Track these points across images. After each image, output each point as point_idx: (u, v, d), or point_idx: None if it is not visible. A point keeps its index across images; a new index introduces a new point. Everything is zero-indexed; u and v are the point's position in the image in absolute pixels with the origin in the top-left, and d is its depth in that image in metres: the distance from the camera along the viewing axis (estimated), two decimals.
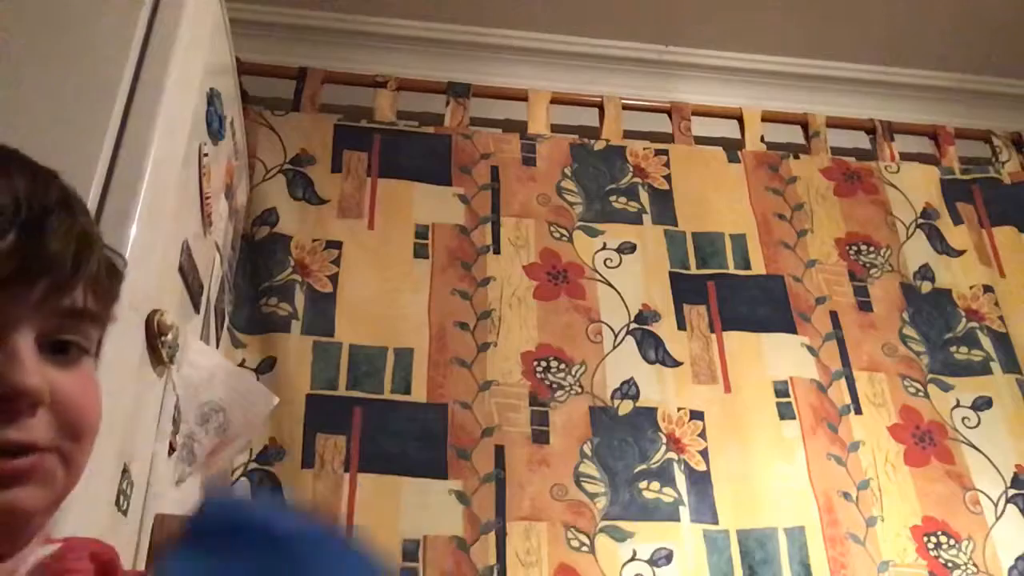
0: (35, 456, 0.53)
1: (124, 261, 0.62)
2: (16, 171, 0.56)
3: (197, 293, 1.33)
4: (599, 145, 2.10)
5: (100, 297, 0.59)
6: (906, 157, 2.23)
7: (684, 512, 1.67)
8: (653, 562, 1.62)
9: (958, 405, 1.87)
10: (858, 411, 1.83)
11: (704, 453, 1.75)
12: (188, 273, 1.25)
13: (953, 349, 1.94)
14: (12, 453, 0.52)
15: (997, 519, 1.74)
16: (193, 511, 0.54)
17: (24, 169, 0.57)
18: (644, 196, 2.04)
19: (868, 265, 2.03)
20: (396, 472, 1.64)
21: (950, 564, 1.68)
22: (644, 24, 2.27)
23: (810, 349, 1.89)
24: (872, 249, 2.05)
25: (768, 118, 2.23)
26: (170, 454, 1.21)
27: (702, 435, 1.76)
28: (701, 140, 2.18)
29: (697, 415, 1.78)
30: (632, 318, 1.88)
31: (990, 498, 1.76)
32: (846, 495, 1.73)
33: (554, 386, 1.78)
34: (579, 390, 1.78)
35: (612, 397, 1.78)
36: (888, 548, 1.68)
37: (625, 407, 1.77)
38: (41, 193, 0.56)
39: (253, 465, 1.62)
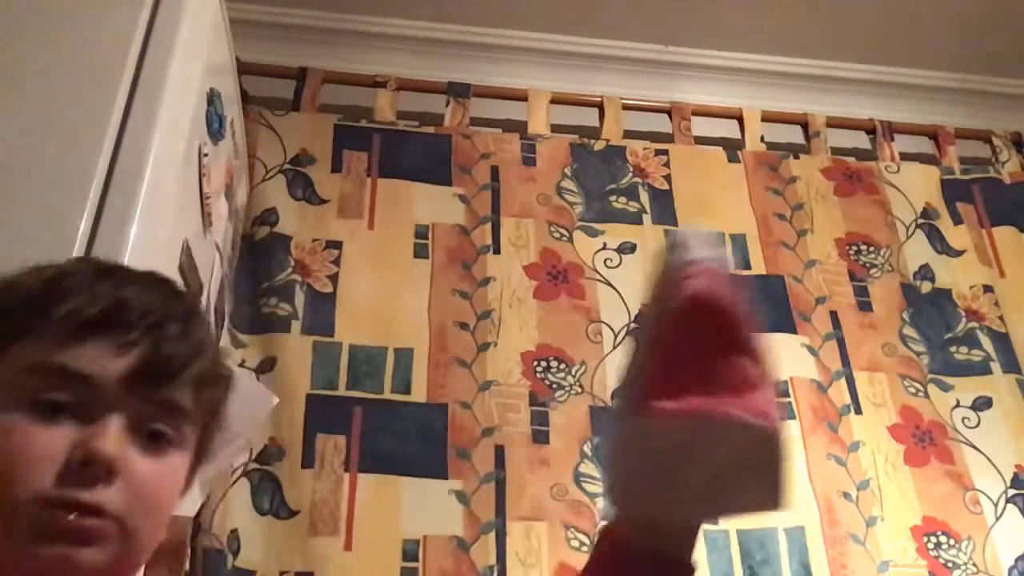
0: (100, 520, 0.60)
1: (233, 375, 0.75)
2: (152, 286, 0.69)
3: (197, 293, 1.33)
4: (599, 145, 2.10)
5: (200, 399, 0.67)
6: (906, 157, 2.23)
7: None
8: None
9: (958, 405, 1.87)
10: (858, 411, 1.83)
11: None
12: (188, 273, 1.24)
13: (953, 349, 1.94)
14: (85, 512, 0.59)
15: (997, 519, 1.74)
16: None
17: (158, 285, 0.70)
18: (644, 196, 2.04)
19: (868, 265, 2.03)
20: (396, 472, 1.64)
21: (950, 564, 1.68)
22: (644, 24, 2.27)
23: (810, 349, 1.88)
24: (872, 249, 2.05)
25: (768, 118, 2.23)
26: None
27: None
28: (701, 140, 2.18)
29: None
30: (632, 318, 1.88)
31: (990, 498, 1.76)
32: (846, 495, 1.73)
33: (554, 386, 1.78)
34: (579, 390, 1.78)
35: (612, 397, 1.77)
36: (888, 548, 1.68)
37: None
38: (168, 305, 0.67)
39: (253, 465, 1.62)
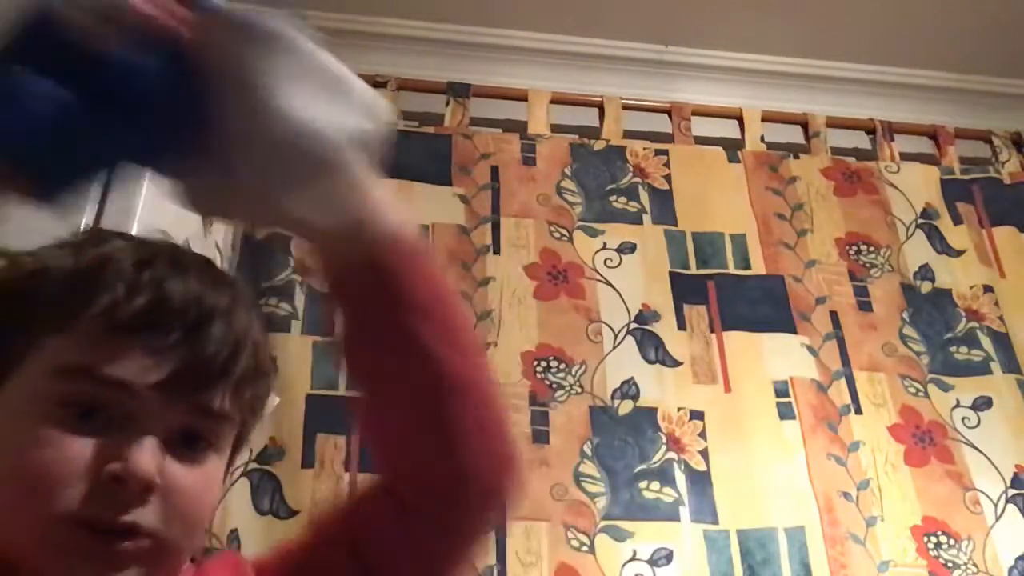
0: (134, 542, 0.57)
1: (274, 367, 0.71)
2: (194, 273, 0.64)
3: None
4: (599, 145, 2.10)
5: (238, 400, 0.63)
6: (906, 157, 2.23)
7: (684, 512, 1.67)
8: (653, 562, 1.62)
9: (958, 405, 1.87)
10: (858, 411, 1.83)
11: (704, 453, 1.75)
12: None
13: (953, 349, 1.94)
14: (119, 534, 0.57)
15: (997, 519, 1.74)
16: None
17: (202, 273, 0.65)
18: (644, 196, 2.04)
19: (868, 265, 2.02)
20: None
21: (950, 564, 1.68)
22: (644, 24, 2.27)
23: (810, 349, 1.88)
24: (872, 249, 2.05)
25: (768, 118, 2.23)
26: None
27: (702, 435, 1.76)
28: (701, 140, 2.18)
29: (697, 415, 1.78)
30: (632, 318, 1.88)
31: (990, 498, 1.76)
32: (846, 495, 1.72)
33: (554, 386, 1.78)
34: (579, 390, 1.78)
35: (612, 397, 1.77)
36: (888, 548, 1.68)
37: (625, 407, 1.77)
38: (211, 298, 0.62)
39: (253, 465, 1.62)
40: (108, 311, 0.59)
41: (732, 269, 1.97)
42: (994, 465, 1.80)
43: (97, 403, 0.57)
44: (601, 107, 2.17)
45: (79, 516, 0.55)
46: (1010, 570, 1.68)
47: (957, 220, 2.11)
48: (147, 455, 0.57)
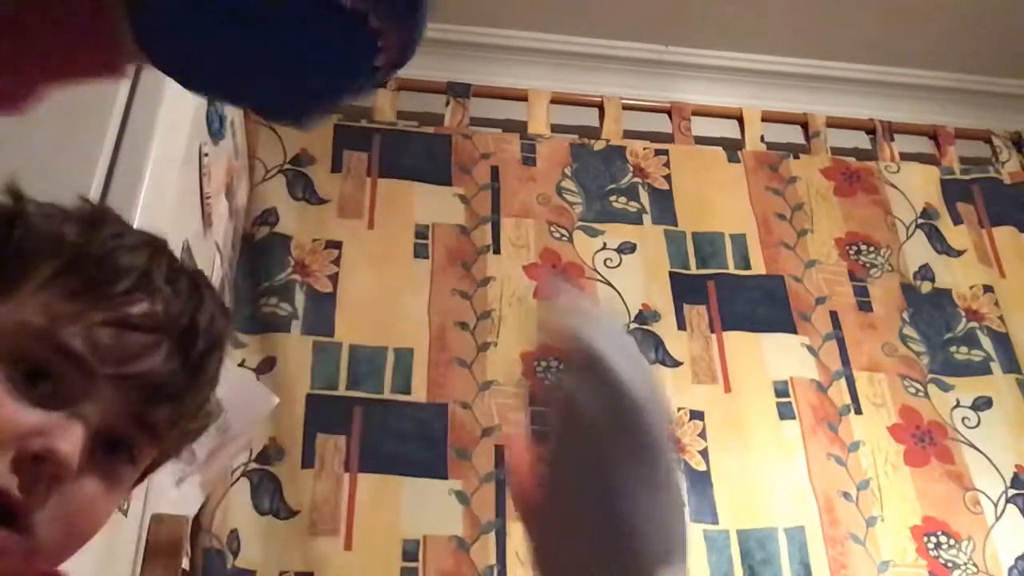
0: (8, 532, 0.51)
1: (217, 414, 0.66)
2: (208, 296, 0.61)
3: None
4: (599, 145, 2.10)
5: (180, 430, 0.60)
6: (906, 157, 2.23)
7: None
8: None
9: (958, 405, 1.87)
10: (858, 411, 1.83)
11: (704, 453, 1.75)
12: None
13: (953, 349, 1.94)
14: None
15: (997, 519, 1.74)
16: None
17: (216, 297, 0.62)
18: (644, 196, 2.04)
19: (868, 265, 2.02)
20: (396, 472, 1.64)
21: (950, 564, 1.68)
22: (644, 24, 2.27)
23: (810, 349, 1.88)
24: (872, 249, 2.05)
25: (768, 118, 2.23)
26: None
27: (702, 435, 1.76)
28: (701, 140, 2.18)
29: (697, 415, 1.78)
30: (632, 318, 1.88)
31: (990, 498, 1.76)
32: (846, 495, 1.72)
33: None
34: None
35: None
36: (888, 548, 1.68)
37: None
38: (219, 325, 0.60)
39: (253, 465, 1.62)
40: (119, 299, 0.55)
41: (732, 269, 1.97)
42: (994, 465, 1.80)
43: (45, 369, 0.53)
44: (601, 107, 2.17)
45: None
46: (1010, 570, 1.68)
47: (957, 220, 2.11)
48: (75, 442, 0.52)
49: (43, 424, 0.52)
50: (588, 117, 2.19)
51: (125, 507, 1.05)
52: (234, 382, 1.34)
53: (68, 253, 0.56)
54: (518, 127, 2.12)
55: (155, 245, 0.61)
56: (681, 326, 1.88)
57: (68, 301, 0.54)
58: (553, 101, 2.16)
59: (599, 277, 1.92)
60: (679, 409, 1.78)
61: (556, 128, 2.13)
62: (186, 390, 0.58)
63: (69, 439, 0.52)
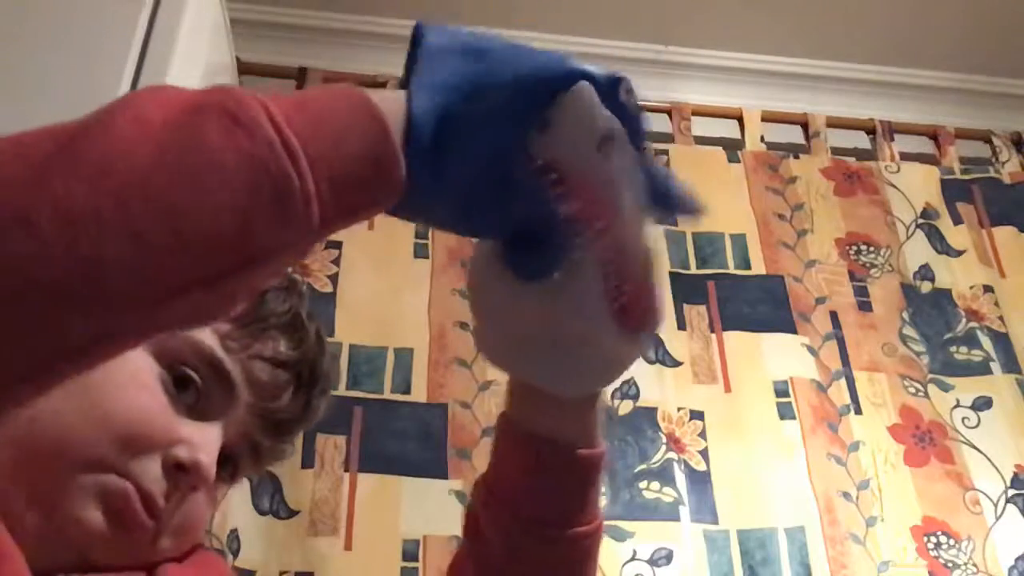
0: (153, 523, 0.56)
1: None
2: (325, 341, 0.68)
3: None
4: None
5: (270, 454, 0.66)
6: (906, 157, 2.23)
7: (684, 512, 1.67)
8: (653, 562, 1.62)
9: (958, 405, 1.87)
10: (858, 411, 1.83)
11: (704, 453, 1.75)
12: None
13: (953, 349, 1.94)
14: (143, 511, 0.55)
15: (997, 519, 1.74)
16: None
17: (324, 341, 0.69)
18: None
19: (868, 265, 2.02)
20: (396, 472, 1.64)
21: (950, 564, 1.68)
22: (644, 24, 2.27)
23: (810, 349, 1.88)
24: (872, 249, 2.05)
25: (768, 118, 2.23)
26: None
27: (702, 435, 1.76)
28: (701, 140, 2.18)
29: (697, 415, 1.78)
30: None
31: (990, 498, 1.76)
32: (846, 495, 1.72)
33: None
34: None
35: (612, 397, 1.77)
36: (888, 548, 1.68)
37: (625, 407, 1.77)
38: (333, 370, 0.70)
39: None
40: (276, 336, 0.61)
41: (732, 269, 1.97)
42: (994, 465, 1.80)
43: (194, 380, 0.58)
44: None
45: (128, 471, 0.54)
46: (1010, 570, 1.68)
47: (957, 220, 2.11)
48: (215, 457, 0.57)
49: (193, 435, 0.56)
50: None
51: None
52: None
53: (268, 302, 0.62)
54: None
55: (297, 287, 0.66)
56: (681, 326, 1.88)
57: (236, 329, 0.59)
58: None
59: None
60: (679, 409, 1.78)
61: None
62: (297, 426, 0.65)
63: (211, 453, 0.57)
